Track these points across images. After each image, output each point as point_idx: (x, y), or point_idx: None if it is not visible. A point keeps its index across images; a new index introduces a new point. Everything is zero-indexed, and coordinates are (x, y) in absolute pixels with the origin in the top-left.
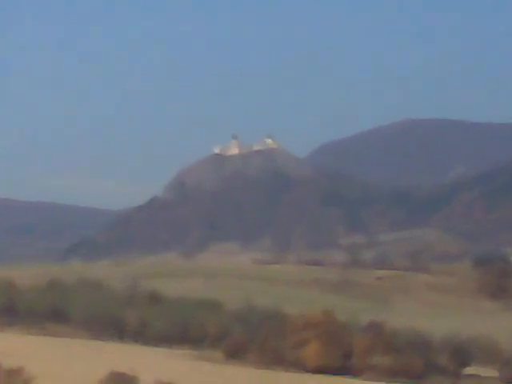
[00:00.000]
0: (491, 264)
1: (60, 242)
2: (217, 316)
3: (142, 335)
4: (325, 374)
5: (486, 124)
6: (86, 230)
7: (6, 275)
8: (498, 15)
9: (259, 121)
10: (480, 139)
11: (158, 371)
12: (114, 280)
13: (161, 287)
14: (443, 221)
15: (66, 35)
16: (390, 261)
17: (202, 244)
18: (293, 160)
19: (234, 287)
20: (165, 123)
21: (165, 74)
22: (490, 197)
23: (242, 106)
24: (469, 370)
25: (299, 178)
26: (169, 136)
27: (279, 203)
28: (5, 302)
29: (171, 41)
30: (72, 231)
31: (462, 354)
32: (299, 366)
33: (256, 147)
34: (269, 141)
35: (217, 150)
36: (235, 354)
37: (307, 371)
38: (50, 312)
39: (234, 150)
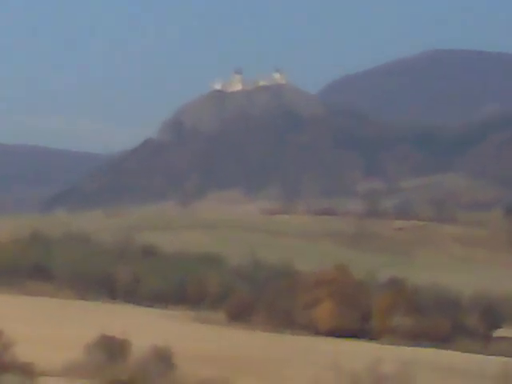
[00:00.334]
0: None
1: (43, 190)
2: (218, 273)
3: (135, 294)
4: (339, 338)
5: None
6: (73, 177)
7: None
8: None
9: (265, 53)
10: None
11: (153, 334)
12: (104, 233)
13: (155, 240)
14: (472, 164)
15: None
16: (412, 210)
17: (201, 192)
18: (303, 97)
19: (237, 240)
20: (159, 55)
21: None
22: None
23: (247, 36)
24: (500, 332)
25: (310, 117)
26: (163, 70)
27: (287, 146)
28: None
29: None
30: (57, 178)
31: (493, 314)
32: (311, 329)
33: (262, 83)
34: (276, 75)
35: (218, 86)
36: (239, 315)
37: (320, 334)
38: (31, 269)
39: (236, 86)
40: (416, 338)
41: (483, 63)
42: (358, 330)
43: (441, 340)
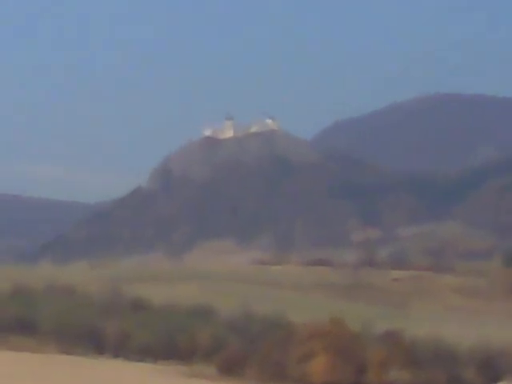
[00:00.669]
0: None
1: (27, 240)
2: (209, 325)
3: (124, 349)
4: None
5: None
6: (58, 227)
7: None
8: None
9: (257, 98)
10: (511, 117)
11: None
12: (91, 285)
13: (144, 292)
14: (469, 213)
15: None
16: (408, 259)
17: (191, 242)
18: (296, 143)
19: (229, 292)
20: (149, 102)
21: (149, 46)
22: None
23: (238, 82)
24: None
25: (304, 164)
26: (153, 117)
27: (280, 194)
28: None
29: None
30: (42, 228)
31: (492, 367)
32: (305, 383)
33: (253, 129)
34: (268, 121)
35: (208, 133)
36: (231, 369)
37: None
38: (14, 323)
39: (228, 133)
40: None
41: (478, 107)
42: (353, 383)
43: None
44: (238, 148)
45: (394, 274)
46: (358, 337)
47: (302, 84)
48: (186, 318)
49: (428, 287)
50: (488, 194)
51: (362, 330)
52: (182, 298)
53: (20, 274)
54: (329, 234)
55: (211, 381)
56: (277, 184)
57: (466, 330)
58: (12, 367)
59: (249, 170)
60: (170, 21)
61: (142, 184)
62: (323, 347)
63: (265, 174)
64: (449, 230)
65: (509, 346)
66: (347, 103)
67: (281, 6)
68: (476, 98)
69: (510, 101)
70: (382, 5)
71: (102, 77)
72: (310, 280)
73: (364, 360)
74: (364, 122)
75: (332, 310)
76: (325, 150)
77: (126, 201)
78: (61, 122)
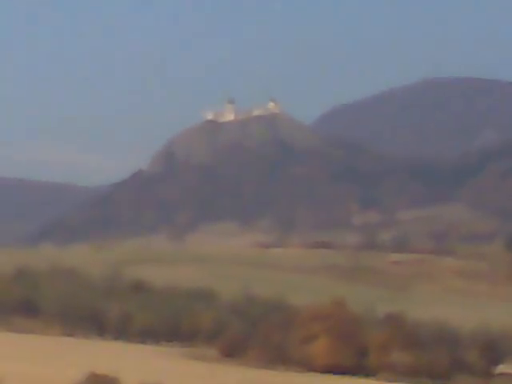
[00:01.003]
0: None
1: (29, 224)
2: (211, 308)
3: (125, 331)
4: (335, 374)
5: None
6: (60, 210)
7: None
8: None
9: (259, 82)
10: None
11: (143, 372)
12: (93, 267)
13: (146, 275)
14: (471, 196)
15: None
16: (410, 243)
17: (193, 225)
18: (298, 127)
19: (231, 275)
20: (150, 85)
21: (150, 29)
22: None
23: (240, 65)
24: (501, 369)
25: (305, 148)
26: (155, 100)
27: (282, 177)
28: None
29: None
30: (43, 212)
31: (494, 349)
32: (306, 365)
33: (255, 112)
34: (270, 105)
35: (210, 116)
36: (232, 351)
37: (315, 371)
38: (18, 305)
39: (229, 116)
40: (414, 374)
41: (478, 91)
42: (354, 366)
43: (440, 377)
44: (240, 131)
45: (395, 256)
46: (359, 319)
47: (303, 69)
48: (187, 300)
49: (429, 270)
50: (490, 177)
51: (364, 313)
52: (183, 281)
53: (23, 257)
54: (330, 217)
55: (213, 363)
56: (278, 167)
57: (467, 313)
58: (15, 349)
59: (250, 153)
60: (173, 3)
61: (143, 167)
62: (324, 330)
63: (266, 157)
64: (451, 214)
65: (510, 328)
66: (348, 88)
67: None
68: (478, 82)
69: (505, 84)
70: None
71: (105, 59)
72: (311, 263)
73: (365, 342)
74: (363, 107)
75: (333, 292)
76: (326, 135)
77: (128, 184)
78: (61, 105)
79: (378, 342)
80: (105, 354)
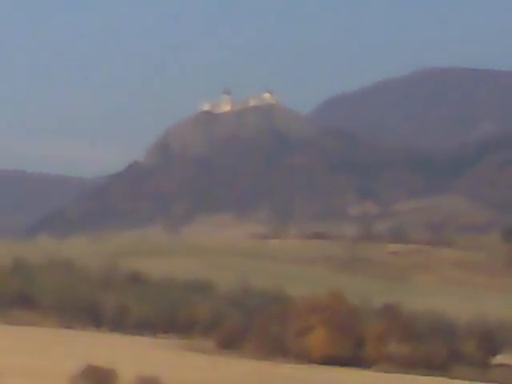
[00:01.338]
0: None
1: (26, 216)
2: (208, 300)
3: (122, 323)
4: (333, 366)
5: None
6: (56, 203)
7: None
8: None
9: (255, 72)
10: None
11: (140, 364)
12: (89, 259)
13: (143, 267)
14: (468, 187)
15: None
16: (407, 234)
17: (189, 216)
18: (294, 118)
19: (228, 266)
20: (146, 76)
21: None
22: None
23: (236, 55)
24: (499, 359)
25: (302, 138)
26: (151, 91)
27: (279, 168)
28: None
29: None
30: (40, 204)
31: (491, 340)
32: (303, 357)
33: (252, 103)
34: (266, 95)
35: (206, 107)
36: (229, 343)
37: (312, 362)
38: (15, 297)
39: (225, 107)
40: (412, 365)
41: (475, 81)
42: (351, 357)
43: (437, 368)
44: (236, 122)
45: (393, 247)
46: (356, 310)
47: (299, 59)
48: (184, 291)
49: (427, 261)
50: (487, 168)
51: (361, 304)
52: (180, 272)
53: (20, 249)
54: (327, 207)
55: (210, 355)
56: (275, 158)
57: (464, 304)
58: (12, 341)
59: (247, 144)
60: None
61: (139, 159)
62: (322, 321)
63: (263, 148)
64: (448, 205)
65: (507, 319)
66: (344, 78)
67: None
68: (475, 72)
69: (510, 75)
70: None
71: (101, 52)
72: (308, 253)
73: (363, 333)
74: (360, 97)
75: (330, 283)
76: (323, 126)
77: (124, 175)
78: (58, 97)
79: (376, 333)
80: (102, 345)
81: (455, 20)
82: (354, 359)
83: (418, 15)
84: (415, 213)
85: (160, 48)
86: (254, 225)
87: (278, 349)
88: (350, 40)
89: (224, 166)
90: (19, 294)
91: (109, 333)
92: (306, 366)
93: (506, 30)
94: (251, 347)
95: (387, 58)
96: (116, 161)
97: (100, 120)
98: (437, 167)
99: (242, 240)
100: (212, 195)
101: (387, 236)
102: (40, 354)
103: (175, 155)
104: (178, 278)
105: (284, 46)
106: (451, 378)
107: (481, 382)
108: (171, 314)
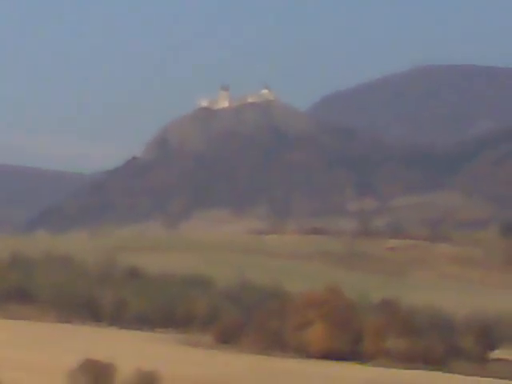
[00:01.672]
0: None
1: (24, 211)
2: (206, 295)
3: (120, 317)
4: (331, 360)
5: None
6: (54, 198)
7: None
8: None
9: (253, 69)
10: (509, 88)
11: (139, 358)
12: (87, 254)
13: (140, 262)
14: (466, 182)
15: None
16: (404, 229)
17: (187, 212)
18: (292, 114)
19: (226, 261)
20: (144, 72)
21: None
22: None
23: (234, 52)
24: (496, 354)
25: (300, 134)
26: (149, 87)
27: (276, 164)
28: None
29: None
30: (38, 199)
31: (489, 335)
32: (301, 351)
33: (250, 99)
34: (265, 92)
35: (204, 103)
36: (227, 338)
37: (310, 357)
38: (13, 292)
39: (223, 103)
40: (410, 360)
41: (473, 78)
42: (349, 352)
43: (435, 362)
44: (234, 118)
45: (390, 243)
46: (354, 305)
47: (297, 56)
48: (182, 286)
49: (424, 256)
50: (485, 164)
51: (359, 299)
52: (178, 267)
53: (18, 244)
54: (325, 203)
55: (208, 349)
56: (273, 154)
57: (462, 299)
58: (11, 335)
59: (245, 140)
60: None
61: (137, 154)
62: (320, 316)
63: (261, 144)
64: (445, 200)
65: (505, 314)
66: (342, 75)
67: None
68: (472, 68)
69: (508, 72)
70: None
71: (101, 52)
72: (306, 249)
73: (361, 328)
74: (358, 94)
75: (328, 278)
76: (321, 122)
77: (122, 171)
78: (57, 93)
79: (374, 327)
80: (100, 340)
81: (452, 18)
82: (352, 354)
83: (416, 14)
84: (413, 208)
85: (160, 48)
86: (252, 220)
87: (276, 343)
88: (348, 38)
89: (222, 161)
90: (17, 288)
91: (107, 327)
92: (304, 360)
93: (503, 27)
94: (249, 342)
95: (385, 55)
96: (114, 156)
97: (99, 117)
98: (434, 163)
99: (240, 235)
100: (210, 191)
101: (385, 231)
102: (38, 349)
103: (173, 151)
104: (177, 273)
105: (283, 45)
106: (449, 373)
107: (479, 376)
108: (169, 308)
